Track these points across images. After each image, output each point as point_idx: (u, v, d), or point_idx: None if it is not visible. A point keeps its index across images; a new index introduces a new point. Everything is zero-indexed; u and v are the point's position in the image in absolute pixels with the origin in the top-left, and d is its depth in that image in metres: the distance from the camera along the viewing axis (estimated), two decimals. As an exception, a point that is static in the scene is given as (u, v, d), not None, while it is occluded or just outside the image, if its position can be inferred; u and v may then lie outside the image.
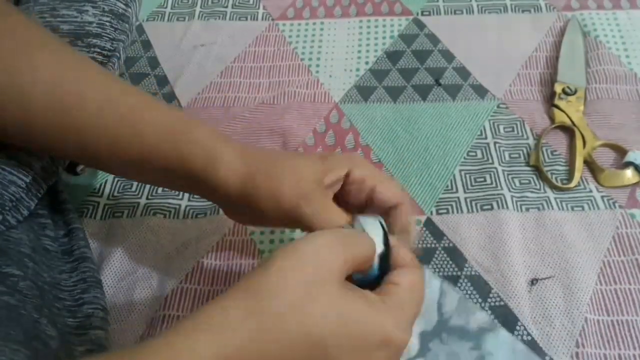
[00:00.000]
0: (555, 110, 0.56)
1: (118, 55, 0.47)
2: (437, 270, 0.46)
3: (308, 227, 0.36)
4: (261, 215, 0.37)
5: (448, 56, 0.63)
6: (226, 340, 0.27)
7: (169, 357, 0.26)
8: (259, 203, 0.36)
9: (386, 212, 0.38)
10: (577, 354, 0.41)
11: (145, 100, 0.38)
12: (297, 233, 0.49)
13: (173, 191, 0.53)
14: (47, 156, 0.42)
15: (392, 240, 0.35)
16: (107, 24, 0.46)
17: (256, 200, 0.36)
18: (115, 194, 0.53)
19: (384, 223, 0.36)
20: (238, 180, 0.36)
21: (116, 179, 0.54)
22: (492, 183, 0.51)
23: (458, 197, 0.51)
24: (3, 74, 0.35)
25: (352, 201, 0.38)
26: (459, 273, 0.46)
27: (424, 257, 0.47)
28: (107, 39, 0.46)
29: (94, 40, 0.45)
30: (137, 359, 0.26)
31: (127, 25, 0.48)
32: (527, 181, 0.52)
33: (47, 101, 0.35)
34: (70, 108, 0.36)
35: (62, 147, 0.38)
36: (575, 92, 0.57)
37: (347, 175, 0.37)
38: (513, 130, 0.56)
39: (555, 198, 0.50)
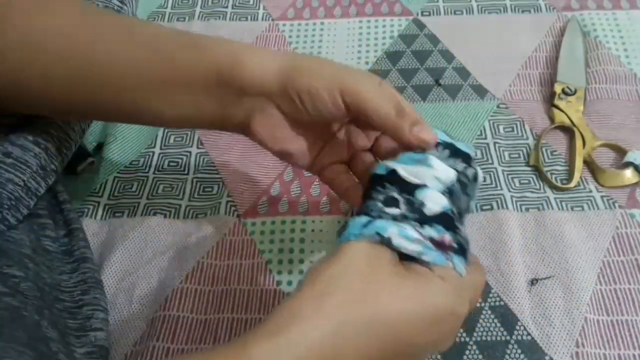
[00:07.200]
0: (555, 111, 0.56)
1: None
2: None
3: (364, 100, 0.34)
4: (305, 103, 0.35)
5: (448, 56, 0.63)
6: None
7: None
8: (309, 79, 0.34)
9: None
10: (577, 353, 0.41)
11: (166, 28, 0.39)
12: (296, 233, 0.49)
13: (173, 191, 0.53)
14: (45, 153, 0.42)
15: None
16: None
17: (306, 77, 0.34)
18: (115, 194, 0.53)
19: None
20: (275, 66, 0.35)
21: (116, 179, 0.54)
22: (491, 183, 0.52)
23: (458, 197, 0.51)
24: (19, 33, 0.36)
25: None
26: (459, 273, 0.46)
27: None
28: None
29: None
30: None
31: None
32: (526, 181, 0.52)
33: (63, 50, 0.36)
34: (90, 43, 0.37)
35: (84, 90, 0.38)
36: (575, 92, 0.57)
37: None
38: (513, 131, 0.56)
39: (555, 198, 0.50)
